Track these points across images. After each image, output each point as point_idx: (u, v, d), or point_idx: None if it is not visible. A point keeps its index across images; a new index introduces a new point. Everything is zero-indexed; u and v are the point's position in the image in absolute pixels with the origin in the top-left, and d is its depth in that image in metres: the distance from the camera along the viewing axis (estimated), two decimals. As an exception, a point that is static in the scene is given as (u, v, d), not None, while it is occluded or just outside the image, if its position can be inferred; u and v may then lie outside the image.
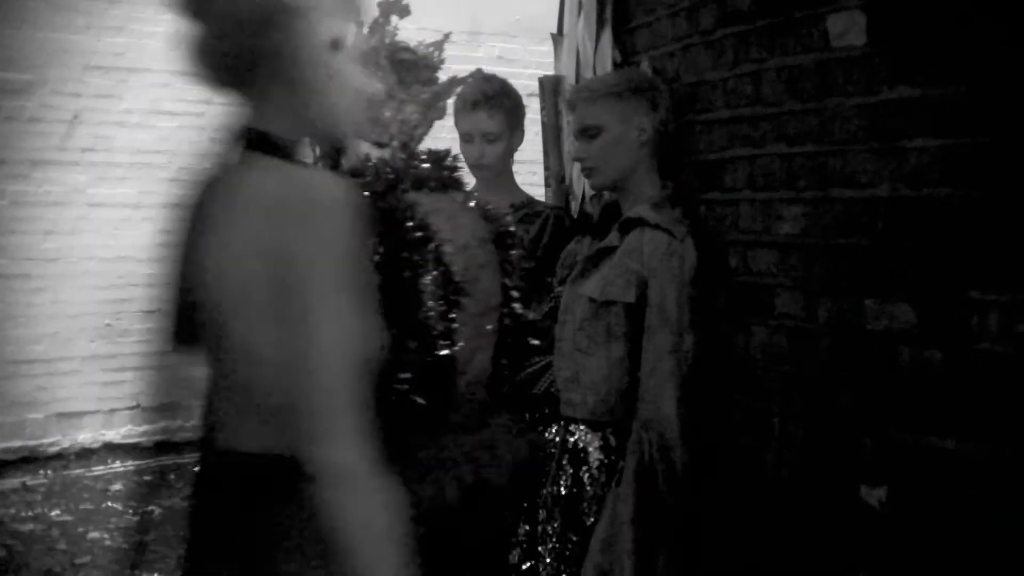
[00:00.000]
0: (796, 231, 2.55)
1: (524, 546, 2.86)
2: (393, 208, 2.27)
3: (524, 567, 2.85)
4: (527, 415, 3.01)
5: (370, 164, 2.41)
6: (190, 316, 1.74)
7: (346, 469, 1.50)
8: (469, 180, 3.38)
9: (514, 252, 2.55)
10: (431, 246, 2.27)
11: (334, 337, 1.51)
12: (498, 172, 3.27)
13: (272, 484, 1.61)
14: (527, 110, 3.38)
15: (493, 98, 3.21)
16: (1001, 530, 2.06)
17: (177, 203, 1.80)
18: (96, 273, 6.64)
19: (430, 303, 2.23)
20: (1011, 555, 2.04)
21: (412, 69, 2.46)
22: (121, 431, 6.81)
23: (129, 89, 6.65)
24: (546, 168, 3.81)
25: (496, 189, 3.30)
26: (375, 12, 2.52)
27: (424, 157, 2.48)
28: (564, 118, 3.59)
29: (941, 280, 2.18)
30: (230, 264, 1.59)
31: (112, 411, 6.79)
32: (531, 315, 2.54)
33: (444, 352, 2.26)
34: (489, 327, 2.48)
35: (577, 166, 3.24)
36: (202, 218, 1.70)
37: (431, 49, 2.59)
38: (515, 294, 2.53)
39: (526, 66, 6.78)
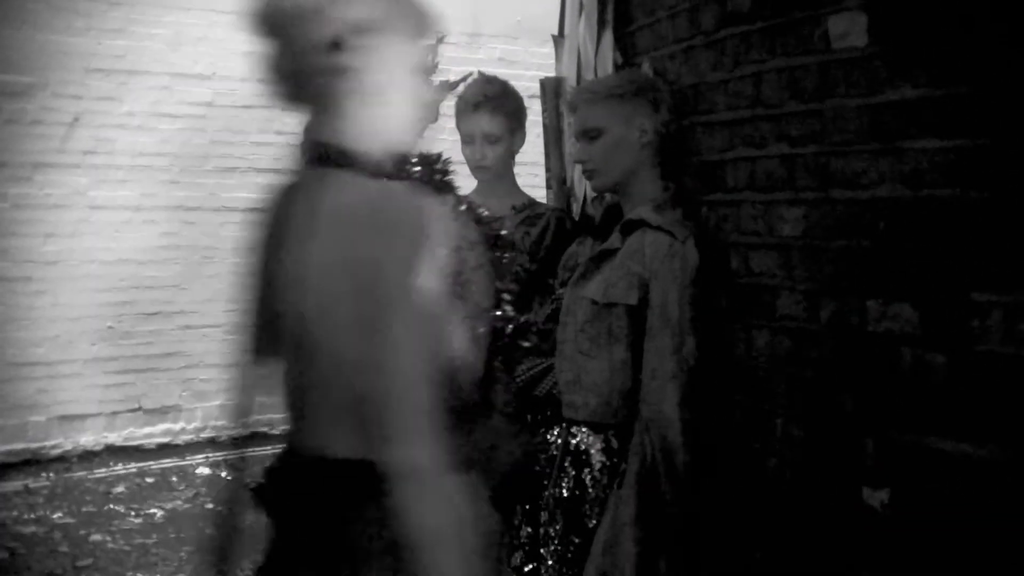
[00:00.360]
0: (798, 232, 2.55)
1: (526, 548, 2.86)
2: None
3: (526, 569, 2.85)
4: (529, 417, 3.01)
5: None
6: (269, 327, 1.80)
7: (418, 469, 1.56)
8: (468, 182, 3.38)
9: (506, 255, 2.58)
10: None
11: (410, 345, 1.59)
12: (499, 174, 3.27)
13: (354, 489, 1.67)
14: (528, 112, 3.38)
15: (494, 99, 3.21)
16: (1004, 532, 2.06)
17: (254, 216, 1.86)
18: (97, 276, 6.64)
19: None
20: (1014, 557, 2.04)
21: None
22: (123, 433, 6.81)
23: (130, 91, 6.66)
24: (547, 170, 3.81)
25: (497, 191, 3.30)
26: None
27: (415, 160, 2.49)
28: (565, 120, 3.59)
29: (943, 281, 2.18)
30: (313, 275, 1.66)
31: (114, 413, 6.79)
32: (523, 317, 2.55)
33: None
34: (481, 330, 2.48)
35: (578, 168, 3.23)
36: (280, 231, 1.76)
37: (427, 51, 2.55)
38: (507, 297, 2.54)
39: (527, 68, 6.78)
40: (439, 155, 2.54)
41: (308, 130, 1.79)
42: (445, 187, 2.50)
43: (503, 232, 2.62)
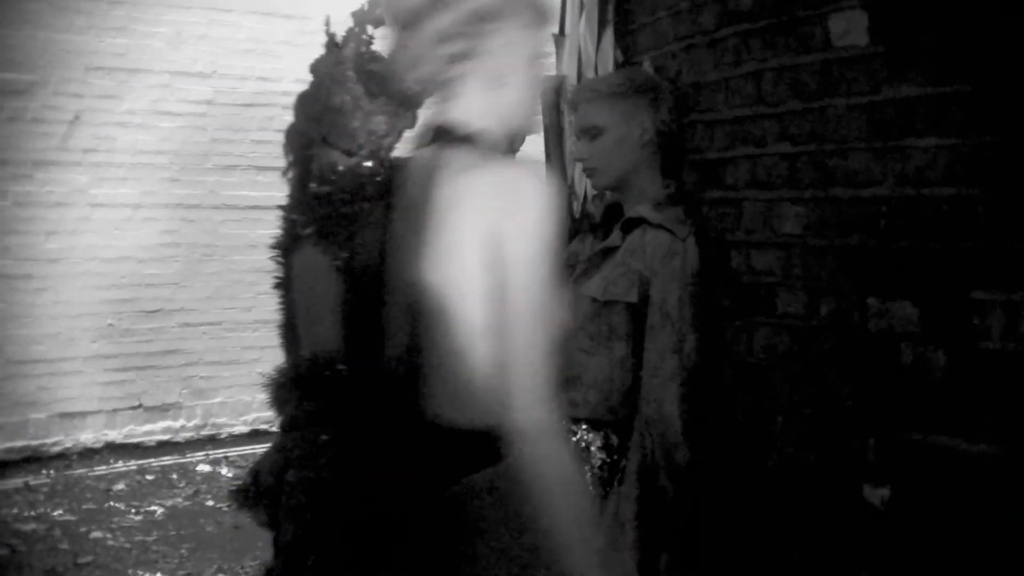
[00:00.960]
0: (798, 230, 2.55)
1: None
2: (345, 215, 2.38)
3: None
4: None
5: (335, 173, 2.50)
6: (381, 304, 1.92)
7: (544, 427, 1.68)
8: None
9: None
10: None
11: (536, 312, 1.70)
12: (500, 172, 3.27)
13: (481, 455, 1.77)
14: (529, 110, 3.38)
15: (495, 98, 3.20)
16: (1005, 530, 2.06)
17: (376, 196, 2.02)
18: (98, 273, 6.65)
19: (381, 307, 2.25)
20: (1015, 555, 2.04)
21: (381, 81, 2.51)
22: (123, 431, 6.82)
23: (131, 90, 6.66)
24: (548, 168, 3.81)
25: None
26: (350, 22, 2.59)
27: (392, 163, 2.52)
28: (566, 118, 3.58)
29: (943, 279, 2.18)
30: (445, 251, 1.77)
31: (114, 411, 6.80)
32: None
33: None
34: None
35: (579, 166, 3.23)
36: (407, 210, 1.87)
37: None
38: None
39: (528, 66, 6.77)
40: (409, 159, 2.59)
41: (433, 113, 1.92)
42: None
43: None
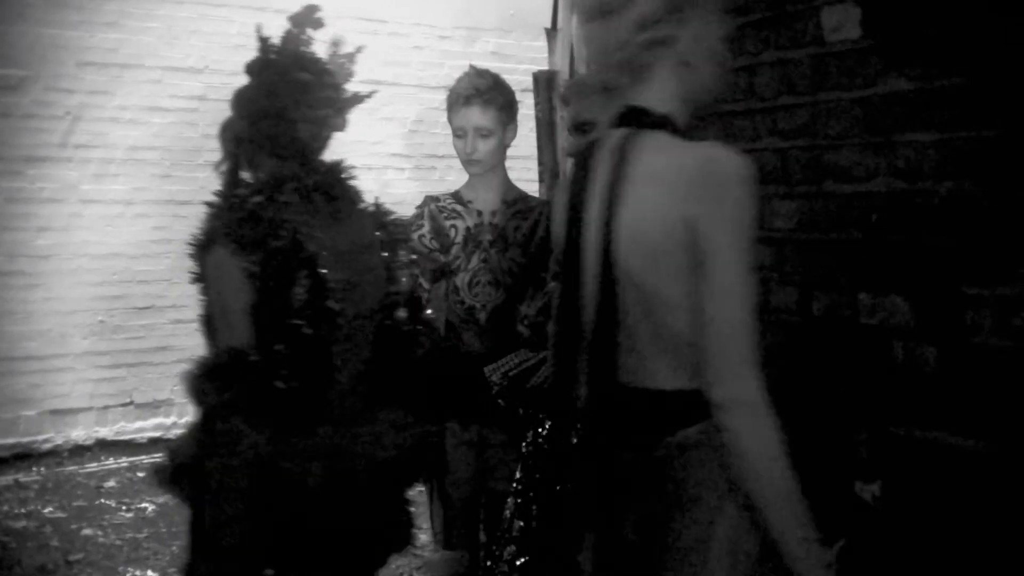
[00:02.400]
0: (790, 226, 2.55)
1: (519, 542, 2.85)
2: (259, 219, 2.43)
3: (519, 563, 2.84)
4: (521, 411, 3.00)
5: (258, 174, 2.57)
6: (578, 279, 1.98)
7: (749, 400, 1.75)
8: (460, 176, 3.38)
9: (404, 259, 2.73)
10: (303, 254, 2.43)
11: (737, 290, 1.77)
12: (491, 167, 3.26)
13: (685, 414, 1.85)
14: (521, 105, 3.37)
15: (486, 93, 3.20)
16: (996, 523, 2.06)
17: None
18: (89, 270, 6.63)
19: (298, 306, 2.42)
20: (1006, 548, 2.04)
21: (307, 90, 2.55)
22: (114, 428, 6.80)
23: (123, 85, 6.64)
24: (540, 163, 3.81)
25: (489, 184, 3.29)
26: (287, 24, 2.59)
27: (315, 167, 2.59)
28: (558, 113, 3.58)
29: (936, 274, 2.18)
30: (643, 228, 1.83)
31: (105, 408, 6.79)
32: (407, 315, 2.73)
33: (316, 350, 2.46)
34: (368, 328, 2.62)
35: (571, 161, 3.23)
36: (596, 190, 1.93)
37: (343, 61, 2.66)
38: (400, 299, 2.71)
39: (520, 61, 6.77)
40: (340, 161, 2.68)
41: (625, 96, 1.96)
42: (343, 192, 2.64)
43: (404, 236, 2.78)
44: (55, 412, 6.62)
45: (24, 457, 6.46)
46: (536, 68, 3.95)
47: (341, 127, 2.67)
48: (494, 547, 2.93)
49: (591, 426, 1.97)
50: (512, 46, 7.67)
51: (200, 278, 2.50)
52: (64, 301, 6.58)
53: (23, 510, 5.62)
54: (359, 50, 2.72)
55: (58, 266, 6.56)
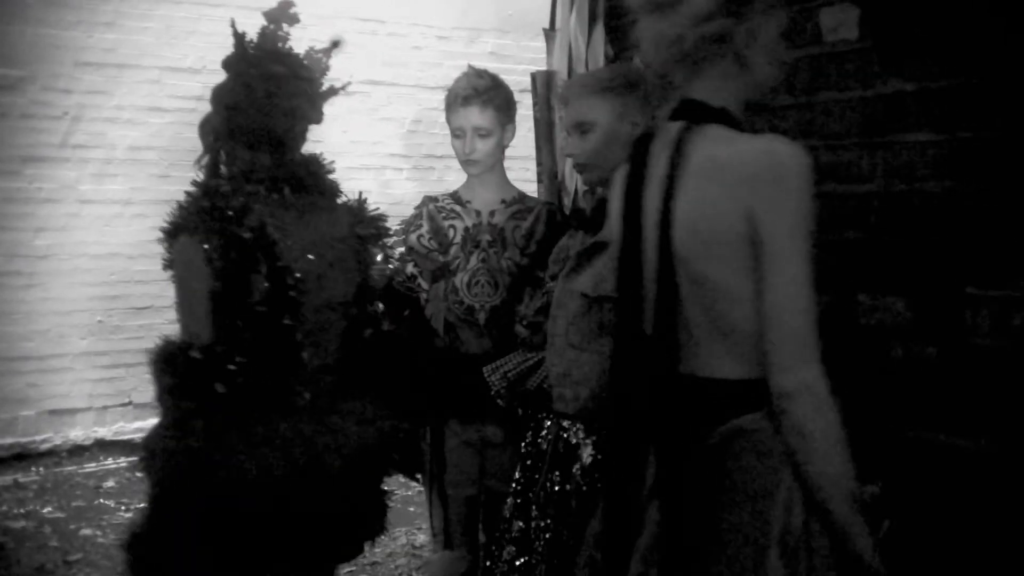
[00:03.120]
0: (789, 226, 2.54)
1: (518, 542, 2.86)
2: (224, 207, 2.53)
3: (518, 563, 2.84)
4: (520, 411, 3.01)
5: (233, 166, 2.64)
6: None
7: (812, 386, 1.79)
8: (458, 176, 3.38)
9: (379, 253, 2.80)
10: (265, 243, 2.52)
11: (798, 279, 1.81)
12: (489, 167, 3.26)
13: (740, 404, 1.90)
14: (519, 106, 3.38)
15: (484, 93, 3.20)
16: (996, 523, 2.06)
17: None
18: (87, 270, 6.63)
19: (257, 294, 2.50)
20: (1006, 549, 2.04)
21: (279, 83, 2.62)
22: (113, 428, 6.80)
23: (121, 85, 6.64)
24: (538, 164, 3.80)
25: (487, 184, 3.29)
26: (263, 20, 2.67)
27: (288, 160, 2.65)
28: (556, 113, 3.58)
29: (935, 275, 2.18)
30: (702, 220, 1.88)
31: (104, 408, 6.78)
32: (383, 309, 2.79)
33: (278, 338, 2.54)
34: (335, 320, 2.66)
35: (569, 161, 3.23)
36: (653, 182, 1.97)
37: (319, 56, 2.72)
38: (373, 293, 2.77)
39: (518, 62, 6.77)
40: (315, 155, 2.74)
41: (682, 90, 2.01)
42: (315, 185, 2.69)
43: (377, 231, 2.83)
44: (54, 412, 6.62)
45: (23, 457, 6.46)
46: (534, 68, 3.94)
47: (316, 120, 2.72)
48: (493, 547, 2.94)
49: (653, 417, 2.01)
50: (510, 46, 7.67)
51: (169, 265, 2.62)
52: (62, 301, 6.58)
53: (22, 510, 5.61)
54: (335, 45, 2.77)
55: (56, 266, 6.55)
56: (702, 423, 1.93)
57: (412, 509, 5.49)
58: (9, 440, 6.47)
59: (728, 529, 1.89)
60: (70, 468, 6.37)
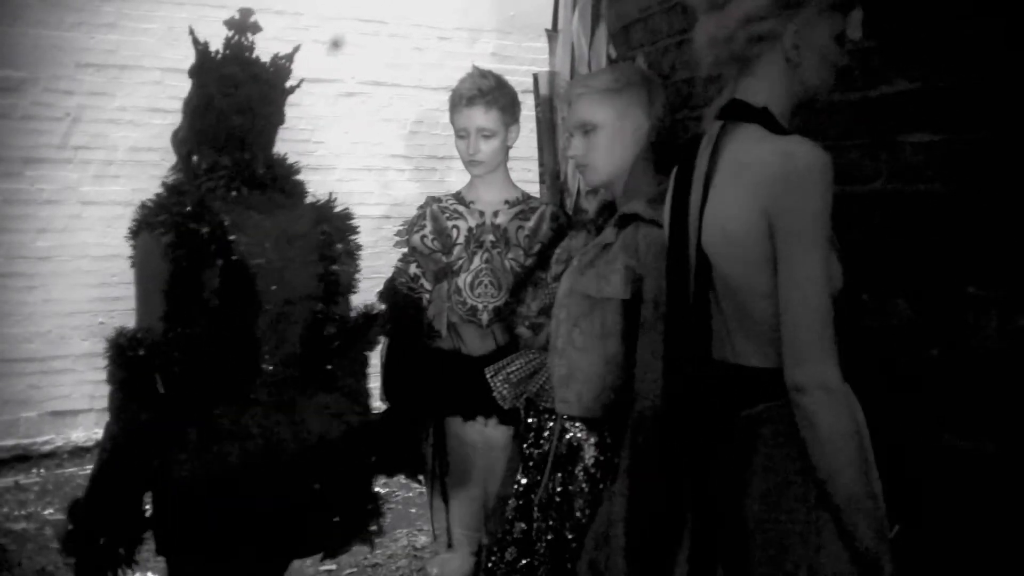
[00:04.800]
0: (792, 227, 2.53)
1: (520, 543, 2.85)
2: (182, 204, 2.62)
3: (520, 564, 2.84)
4: (522, 412, 3.00)
5: (199, 167, 2.75)
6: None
7: (825, 382, 1.86)
8: (462, 176, 3.38)
9: (341, 250, 2.83)
10: (221, 238, 2.60)
11: (811, 279, 1.87)
12: (493, 168, 3.26)
13: (764, 391, 1.98)
14: (522, 106, 3.37)
15: (489, 94, 3.20)
16: (999, 526, 2.05)
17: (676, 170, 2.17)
18: (89, 271, 6.63)
19: (212, 288, 2.58)
20: (1009, 551, 2.04)
21: (237, 84, 2.70)
22: (114, 430, 6.79)
23: (122, 86, 6.64)
24: (540, 164, 3.80)
25: (491, 185, 3.29)
26: (225, 30, 2.76)
27: (251, 159, 2.72)
28: (559, 114, 3.58)
29: (938, 276, 2.18)
30: (726, 219, 1.96)
31: (105, 409, 6.77)
32: (340, 309, 2.82)
33: (235, 332, 2.61)
34: (298, 314, 2.72)
35: (572, 162, 3.22)
36: (696, 181, 2.06)
37: (283, 60, 2.79)
38: (337, 288, 2.81)
39: (521, 62, 6.78)
40: (279, 156, 2.81)
41: (732, 89, 2.06)
42: (275, 183, 2.74)
43: (338, 228, 2.85)
44: (55, 414, 6.62)
45: (24, 459, 6.46)
46: (536, 69, 3.94)
47: (277, 121, 2.80)
48: (495, 548, 2.94)
49: (688, 398, 2.11)
50: (512, 47, 7.67)
51: (133, 262, 2.71)
52: (64, 303, 6.58)
53: (23, 512, 5.61)
54: (296, 49, 2.83)
55: (58, 268, 6.56)
56: (729, 406, 2.02)
57: (413, 510, 5.49)
58: (10, 442, 6.47)
59: (749, 516, 1.97)
60: (71, 470, 6.37)
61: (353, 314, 2.85)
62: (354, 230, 2.89)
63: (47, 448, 6.56)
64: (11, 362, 6.44)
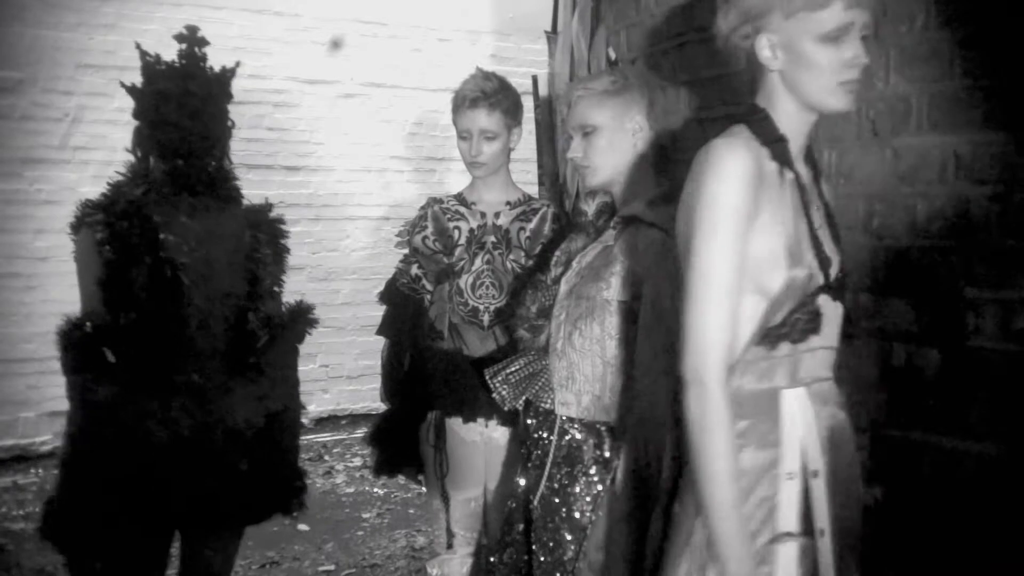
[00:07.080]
0: (791, 228, 2.54)
1: (520, 544, 2.86)
2: (115, 205, 2.93)
3: (520, 565, 2.84)
4: (522, 414, 3.01)
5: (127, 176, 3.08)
6: None
7: (701, 377, 1.87)
8: (463, 178, 3.38)
9: (268, 253, 3.04)
10: (150, 236, 2.86)
11: (703, 272, 1.87)
12: (495, 170, 3.27)
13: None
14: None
15: (492, 96, 3.20)
16: (998, 527, 2.06)
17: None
18: (88, 272, 6.62)
19: (141, 282, 2.84)
20: (1008, 551, 2.04)
21: (168, 98, 2.93)
22: (113, 430, 6.79)
23: (121, 87, 6.63)
24: (540, 166, 3.81)
25: (492, 186, 3.29)
26: (176, 44, 2.99)
27: (186, 166, 2.94)
28: (558, 116, 3.58)
29: (937, 277, 2.18)
30: (679, 216, 1.99)
31: (104, 410, 6.77)
32: (267, 307, 3.03)
33: (162, 323, 2.85)
34: (219, 311, 2.93)
35: (571, 164, 3.23)
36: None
37: (228, 74, 3.01)
38: (268, 287, 3.03)
39: (520, 64, 6.77)
40: (220, 165, 3.02)
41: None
42: (209, 188, 2.95)
43: (265, 232, 3.07)
44: (53, 414, 6.59)
45: (22, 459, 6.46)
46: (536, 71, 3.95)
47: (217, 130, 2.99)
48: (495, 548, 2.94)
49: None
50: (512, 49, 7.68)
51: (74, 255, 3.02)
52: (62, 303, 6.53)
53: (22, 512, 5.61)
54: (238, 64, 3.08)
55: (56, 268, 6.54)
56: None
57: (411, 511, 5.49)
58: (9, 442, 6.47)
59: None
60: (70, 470, 6.36)
61: (284, 309, 3.04)
62: (284, 234, 3.09)
63: (45, 448, 6.55)
64: (10, 362, 6.43)
